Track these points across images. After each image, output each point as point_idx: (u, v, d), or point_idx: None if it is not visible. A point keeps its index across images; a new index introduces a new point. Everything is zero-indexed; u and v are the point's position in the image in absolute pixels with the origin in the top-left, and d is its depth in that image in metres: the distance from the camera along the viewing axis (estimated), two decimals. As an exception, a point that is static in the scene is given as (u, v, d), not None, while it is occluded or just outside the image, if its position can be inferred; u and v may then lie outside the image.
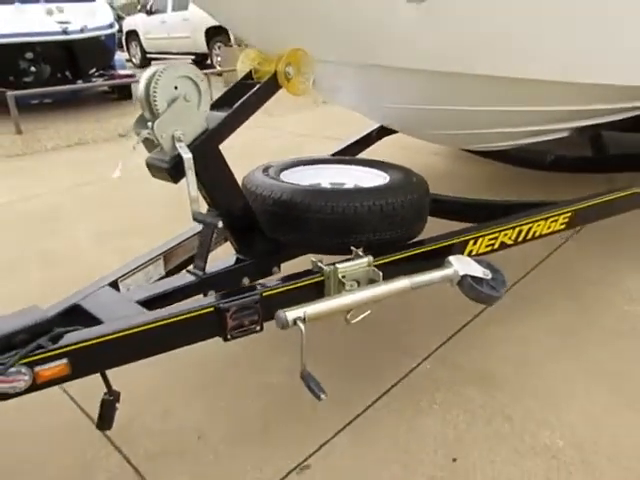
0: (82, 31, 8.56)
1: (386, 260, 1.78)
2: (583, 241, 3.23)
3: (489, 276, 1.84)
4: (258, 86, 1.86)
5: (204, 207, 1.85)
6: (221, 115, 1.76)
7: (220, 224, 1.72)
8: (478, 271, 1.83)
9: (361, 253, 1.75)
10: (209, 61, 13.12)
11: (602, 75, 2.61)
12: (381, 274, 1.68)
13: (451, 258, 1.83)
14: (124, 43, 15.83)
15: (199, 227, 1.96)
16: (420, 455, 1.76)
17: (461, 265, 1.82)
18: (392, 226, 1.85)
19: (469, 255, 2.01)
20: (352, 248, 1.77)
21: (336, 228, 1.81)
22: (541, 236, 2.20)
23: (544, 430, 1.82)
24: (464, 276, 1.80)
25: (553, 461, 1.71)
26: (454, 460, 1.73)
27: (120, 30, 13.76)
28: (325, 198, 1.82)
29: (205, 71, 7.38)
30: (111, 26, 9.26)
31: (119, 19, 14.13)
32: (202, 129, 1.68)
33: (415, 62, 2.06)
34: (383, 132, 3.77)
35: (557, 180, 3.72)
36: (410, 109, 2.38)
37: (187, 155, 1.60)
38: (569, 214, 2.24)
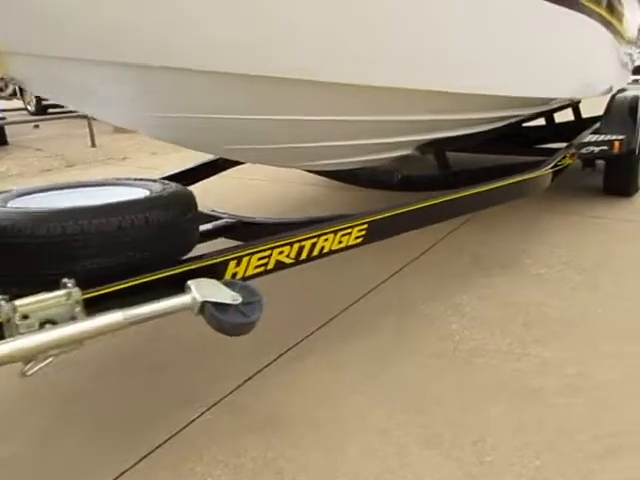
0: None
1: (101, 292, 1.45)
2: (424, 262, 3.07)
3: (239, 301, 1.55)
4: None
5: None
6: None
7: None
8: (225, 296, 1.54)
9: (70, 284, 1.41)
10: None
11: (441, 82, 2.49)
12: (80, 310, 1.35)
13: (191, 283, 1.53)
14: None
15: None
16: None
17: (203, 291, 1.52)
18: (120, 249, 1.53)
19: (236, 278, 1.72)
20: (65, 280, 1.43)
21: (41, 255, 1.47)
22: (332, 252, 1.96)
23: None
24: (205, 303, 1.50)
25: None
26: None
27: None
28: (31, 220, 1.48)
29: None
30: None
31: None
32: None
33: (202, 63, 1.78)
34: (228, 161, 3.53)
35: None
36: (195, 118, 2.10)
37: None
38: (364, 226, 2.02)
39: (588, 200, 4.15)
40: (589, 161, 4.19)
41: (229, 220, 2.46)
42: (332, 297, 2.62)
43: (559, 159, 3.24)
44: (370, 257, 2.75)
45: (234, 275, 1.71)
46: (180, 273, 1.58)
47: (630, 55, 5.40)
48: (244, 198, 4.60)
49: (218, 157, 3.55)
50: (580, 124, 4.92)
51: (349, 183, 3.75)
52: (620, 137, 3.67)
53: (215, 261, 1.67)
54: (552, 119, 5.11)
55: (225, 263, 1.68)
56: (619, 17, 4.04)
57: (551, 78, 3.30)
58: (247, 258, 1.72)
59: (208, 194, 4.39)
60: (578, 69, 3.65)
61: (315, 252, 1.90)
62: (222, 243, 2.08)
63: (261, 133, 2.29)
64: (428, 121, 2.97)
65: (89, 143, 8.05)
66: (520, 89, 3.05)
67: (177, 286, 1.56)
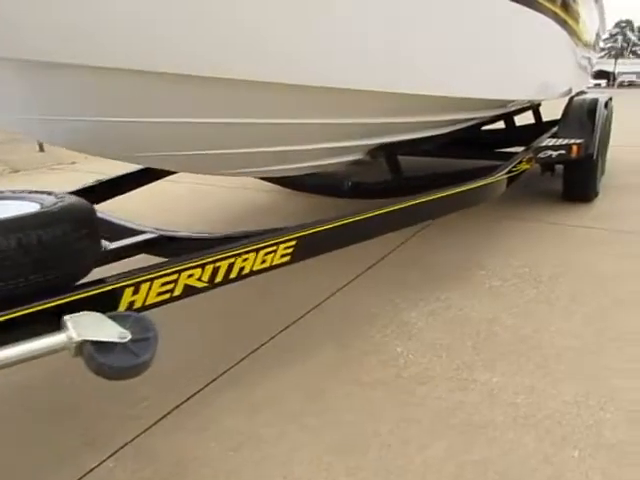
0: None
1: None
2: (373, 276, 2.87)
3: (128, 338, 1.31)
4: None
5: None
6: None
7: None
8: (110, 333, 1.29)
9: None
10: None
11: (390, 82, 2.29)
12: None
13: (68, 318, 1.29)
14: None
15: None
16: None
17: (82, 327, 1.28)
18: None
19: (133, 309, 1.48)
20: None
21: None
22: (255, 273, 1.73)
23: None
24: (83, 342, 1.26)
25: None
26: None
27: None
28: None
29: None
30: None
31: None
32: None
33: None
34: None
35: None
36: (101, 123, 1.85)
37: None
38: (292, 243, 1.80)
39: (547, 206, 4.03)
40: (548, 165, 4.07)
41: (151, 235, 2.22)
42: (266, 318, 2.39)
43: (514, 164, 3.09)
44: (314, 271, 2.54)
45: (131, 304, 1.47)
46: (56, 306, 1.32)
47: (589, 59, 5.34)
48: (188, 207, 4.34)
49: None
50: (541, 127, 4.82)
51: (297, 190, 3.54)
52: (578, 141, 3.55)
53: (105, 289, 1.42)
54: (512, 122, 4.99)
55: (118, 291, 1.44)
56: (575, 17, 3.93)
57: (507, 79, 3.15)
58: (147, 284, 1.48)
59: (147, 202, 4.16)
60: (535, 70, 3.51)
61: (233, 274, 1.67)
62: (144, 260, 1.84)
63: (183, 138, 2.05)
64: (378, 124, 2.78)
65: (37, 148, 7.64)
66: (474, 90, 2.89)
67: (54, 321, 1.31)
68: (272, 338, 2.22)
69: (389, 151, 3.18)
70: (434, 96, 2.62)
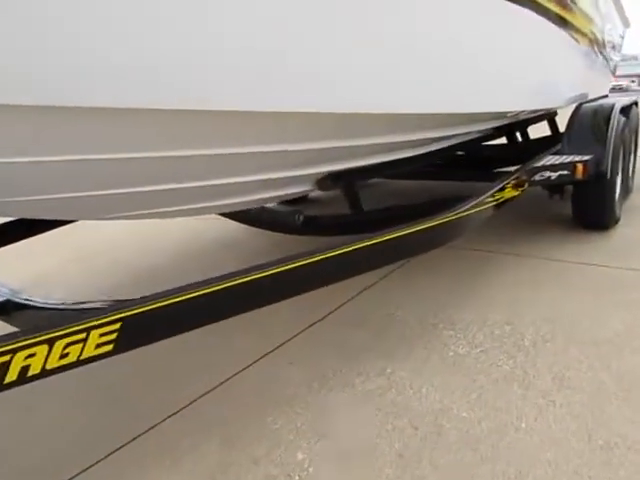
0: None
1: None
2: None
3: None
4: None
5: None
6: None
7: None
8: None
9: None
10: None
11: (328, 102, 1.80)
12: None
13: None
14: None
15: None
16: None
17: None
18: None
19: None
20: None
21: None
22: (49, 373, 1.21)
23: None
24: None
25: None
26: None
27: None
28: None
29: None
30: None
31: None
32: None
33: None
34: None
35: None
36: None
37: None
38: (116, 326, 1.27)
39: (553, 235, 3.36)
40: (556, 187, 3.40)
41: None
42: (150, 403, 1.87)
43: (497, 189, 2.46)
44: (239, 331, 2.04)
45: None
46: None
47: (606, 60, 4.63)
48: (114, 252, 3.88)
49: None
50: (557, 139, 4.14)
51: (246, 224, 3.02)
52: (585, 158, 2.91)
53: None
54: (524, 135, 4.31)
55: None
56: (581, 15, 3.29)
57: (484, 88, 2.55)
58: None
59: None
60: (527, 75, 2.90)
61: (13, 376, 1.16)
62: None
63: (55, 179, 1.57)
64: (318, 150, 2.25)
65: None
66: (437, 105, 2.31)
67: None
68: (145, 432, 1.70)
69: (346, 180, 2.64)
70: (386, 114, 2.09)
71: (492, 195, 2.35)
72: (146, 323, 1.33)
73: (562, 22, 2.94)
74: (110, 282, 3.03)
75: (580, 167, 2.85)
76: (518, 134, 4.18)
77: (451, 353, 2.05)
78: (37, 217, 2.17)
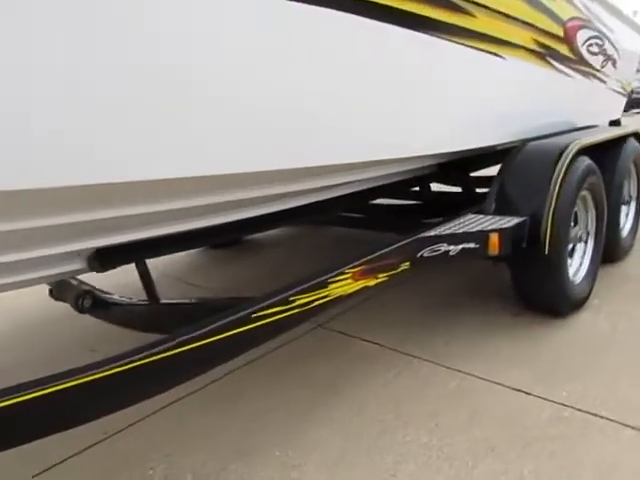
0: None
1: None
2: None
3: None
4: None
5: None
6: None
7: None
8: None
9: None
10: None
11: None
12: None
13: None
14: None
15: None
16: None
17: None
18: None
19: None
20: None
21: None
22: None
23: None
24: None
25: None
26: None
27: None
28: None
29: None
30: None
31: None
32: None
33: None
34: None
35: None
36: None
37: None
38: None
39: (478, 323, 2.38)
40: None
41: None
42: None
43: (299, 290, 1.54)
44: None
45: None
46: None
47: (606, 83, 3.60)
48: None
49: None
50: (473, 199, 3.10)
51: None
52: (505, 225, 1.98)
53: None
54: (467, 180, 3.26)
55: None
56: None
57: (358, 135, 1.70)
58: None
59: None
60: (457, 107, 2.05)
61: None
62: None
63: None
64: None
65: None
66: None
67: None
68: None
69: (134, 259, 1.84)
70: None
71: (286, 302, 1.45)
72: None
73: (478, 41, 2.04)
74: None
75: (495, 238, 1.92)
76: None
77: None
78: None
